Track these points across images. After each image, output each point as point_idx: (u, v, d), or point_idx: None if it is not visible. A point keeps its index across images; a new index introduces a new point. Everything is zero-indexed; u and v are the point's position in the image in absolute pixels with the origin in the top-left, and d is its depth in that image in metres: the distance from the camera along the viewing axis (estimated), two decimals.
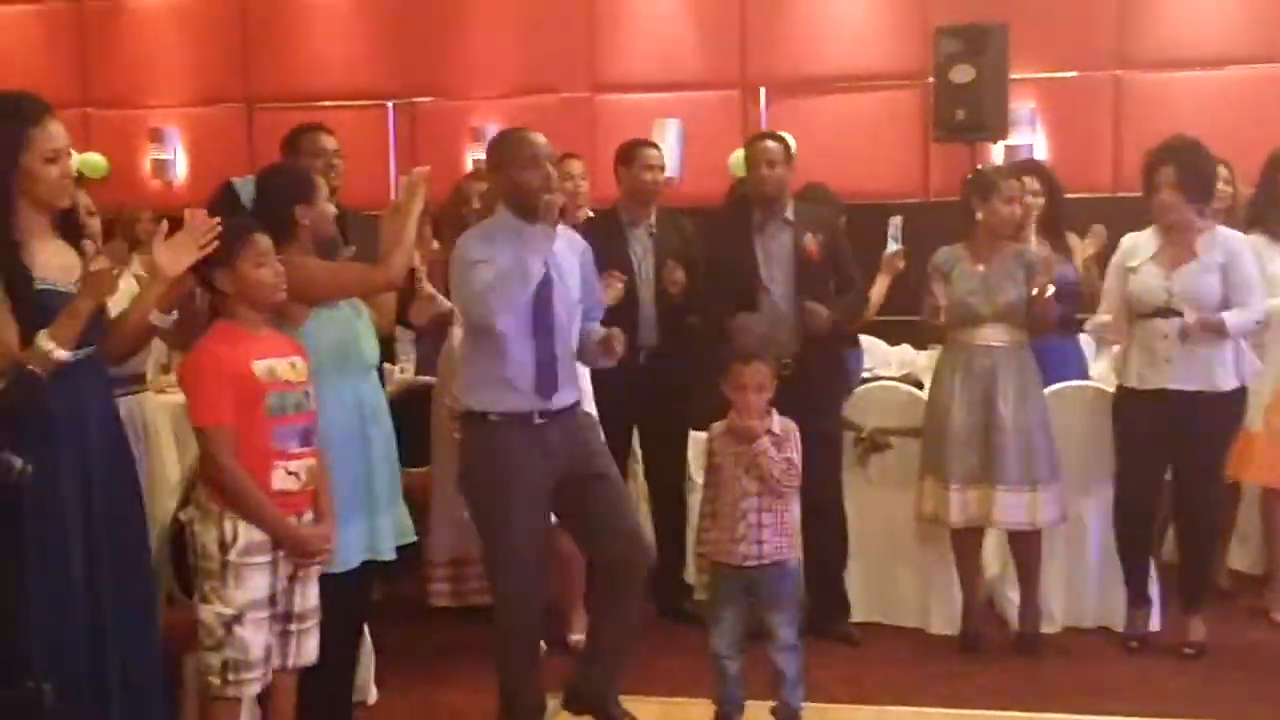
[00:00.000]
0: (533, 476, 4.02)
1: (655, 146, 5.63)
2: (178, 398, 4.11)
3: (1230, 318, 4.88)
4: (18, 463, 3.00)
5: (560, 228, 4.04)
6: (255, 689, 3.56)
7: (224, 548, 3.49)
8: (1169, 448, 5.00)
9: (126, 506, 3.52)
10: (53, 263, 3.36)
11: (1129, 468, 5.13)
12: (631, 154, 5.48)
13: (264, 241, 3.62)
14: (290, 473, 3.56)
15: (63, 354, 3.25)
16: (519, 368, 4.00)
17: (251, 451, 3.51)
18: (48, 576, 3.31)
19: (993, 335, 5.05)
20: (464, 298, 4.02)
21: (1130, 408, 5.07)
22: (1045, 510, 5.03)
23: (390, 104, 9.56)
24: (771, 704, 4.19)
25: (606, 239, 5.00)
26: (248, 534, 3.50)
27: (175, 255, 3.51)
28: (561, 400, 4.08)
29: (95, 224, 3.71)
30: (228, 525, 3.49)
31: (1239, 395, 5.01)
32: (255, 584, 3.51)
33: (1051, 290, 4.96)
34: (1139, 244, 5.10)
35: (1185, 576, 5.17)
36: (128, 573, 3.48)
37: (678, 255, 5.36)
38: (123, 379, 4.10)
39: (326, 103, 9.13)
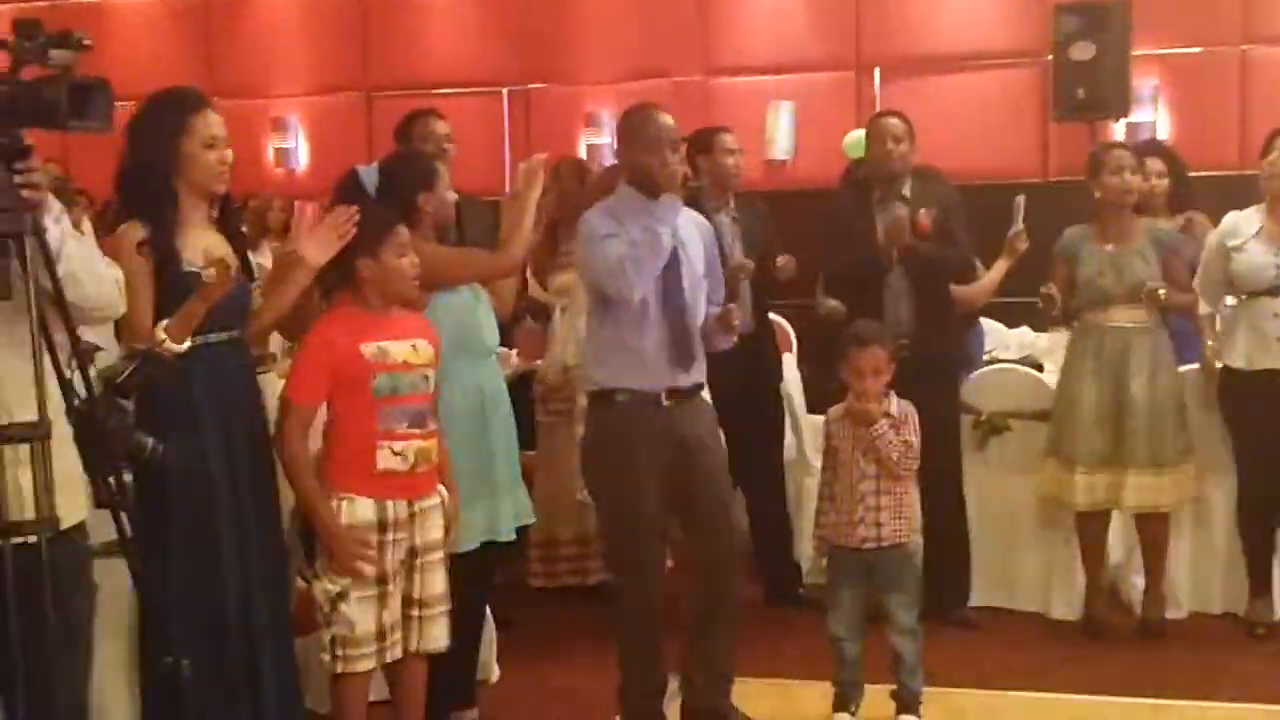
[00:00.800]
0: (657, 459, 4.03)
1: (730, 131, 5.58)
2: None
3: None
4: (149, 443, 3.10)
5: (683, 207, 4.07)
6: (366, 665, 3.61)
7: (326, 535, 3.56)
8: None
9: (267, 488, 3.63)
10: (202, 248, 3.46)
11: (1246, 452, 5.03)
12: (709, 141, 5.42)
13: (405, 232, 3.70)
14: (396, 453, 3.61)
15: (175, 348, 3.34)
16: (652, 341, 3.98)
17: (357, 431, 3.58)
18: (194, 557, 3.43)
19: (1124, 315, 4.97)
20: (596, 272, 3.97)
21: (1240, 390, 4.97)
22: (1173, 493, 4.95)
23: (505, 90, 9.64)
24: (891, 687, 4.19)
25: None
26: (353, 512, 3.57)
27: (319, 245, 3.60)
28: (691, 378, 4.09)
29: None
30: (334, 503, 3.57)
31: None
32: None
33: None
34: (1240, 222, 4.99)
35: None
36: (269, 553, 3.60)
37: (764, 239, 5.35)
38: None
39: (443, 90, 9.23)
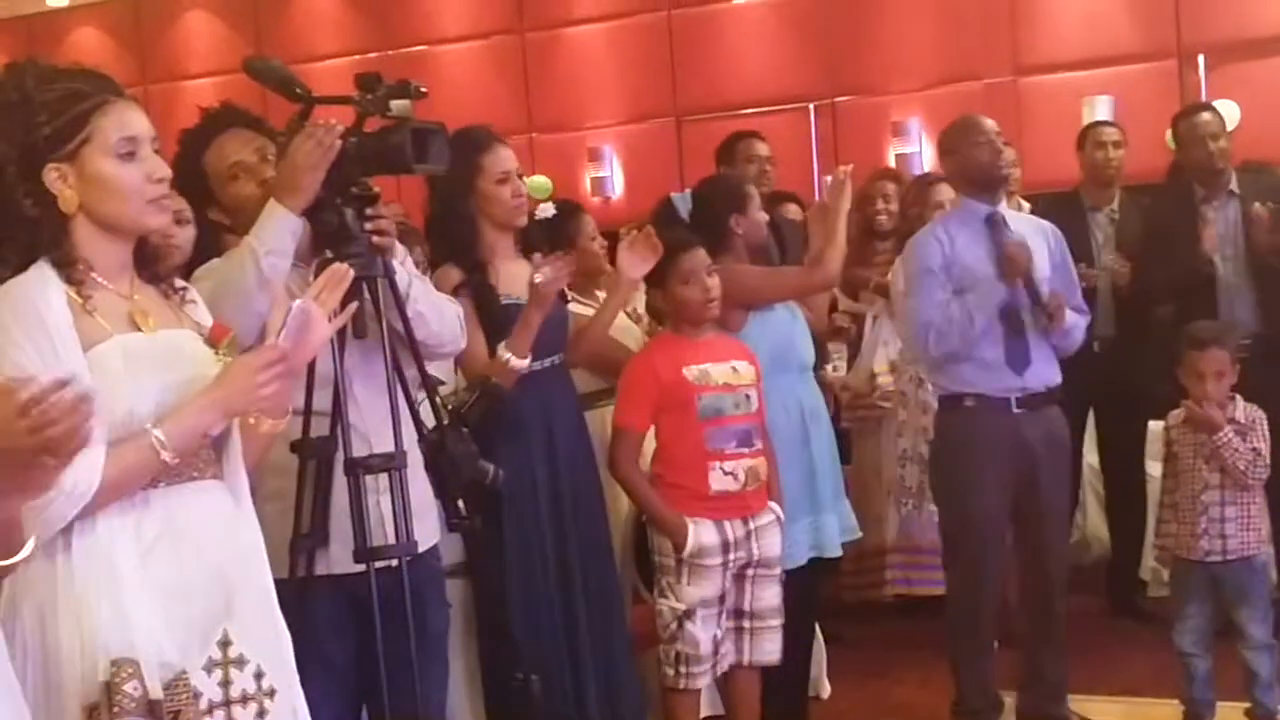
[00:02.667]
0: (1003, 468, 3.98)
1: (1111, 124, 5.41)
2: None
3: None
4: (490, 469, 3.25)
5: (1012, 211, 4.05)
6: (704, 682, 3.71)
7: (678, 547, 3.66)
8: None
9: (593, 508, 3.73)
10: (516, 278, 3.59)
11: None
12: (1086, 134, 5.31)
13: (691, 260, 3.73)
14: (728, 473, 3.68)
15: (520, 363, 3.45)
16: (992, 347, 3.97)
17: (687, 453, 3.67)
18: (525, 576, 3.56)
19: None
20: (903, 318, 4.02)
21: None
22: None
23: (811, 106, 9.65)
24: (1245, 705, 3.99)
25: (1067, 224, 4.86)
26: (696, 535, 3.65)
27: (634, 262, 3.72)
28: (1037, 380, 4.01)
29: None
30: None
31: None
32: (707, 582, 3.66)
33: None
34: None
35: None
36: (597, 571, 3.71)
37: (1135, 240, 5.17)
38: (597, 391, 4.21)
39: (749, 110, 9.32)
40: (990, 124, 4.07)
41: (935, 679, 4.27)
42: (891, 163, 8.74)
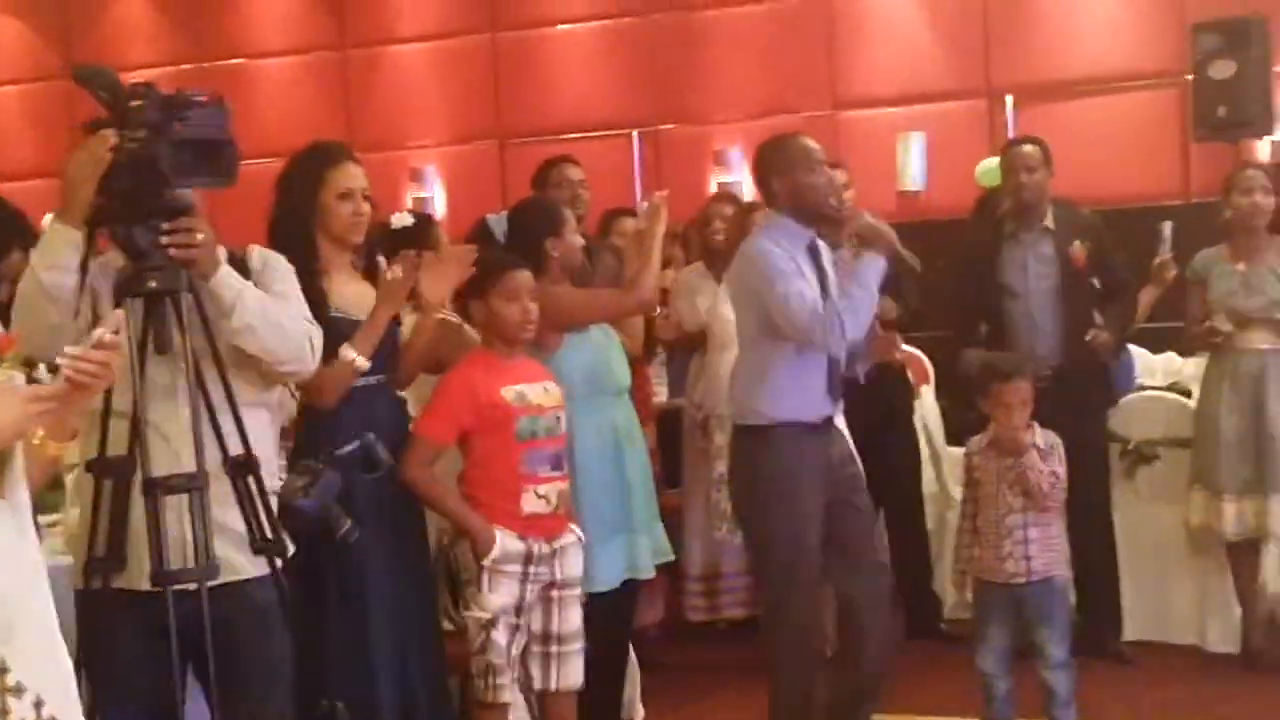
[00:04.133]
0: (817, 491, 3.97)
1: (840, 166, 5.52)
2: None
3: None
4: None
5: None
6: (508, 696, 3.65)
7: (480, 555, 3.61)
8: None
9: (415, 530, 3.69)
10: (347, 294, 3.56)
11: None
12: None
13: (516, 279, 3.71)
14: (540, 496, 3.66)
15: (364, 363, 3.44)
16: (816, 373, 3.95)
17: (501, 475, 3.63)
18: (346, 600, 3.50)
19: (1260, 337, 4.86)
20: (790, 312, 3.83)
21: None
22: None
23: (635, 133, 9.73)
24: None
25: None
26: (502, 542, 3.61)
27: (436, 283, 3.68)
28: (839, 407, 4.07)
29: None
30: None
31: None
32: (506, 590, 3.62)
33: None
34: None
35: None
36: (416, 590, 3.66)
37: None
38: None
39: (573, 134, 9.34)
40: (816, 149, 4.04)
41: (752, 703, 4.29)
42: (713, 190, 8.85)
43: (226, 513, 2.92)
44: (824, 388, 3.98)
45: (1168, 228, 5.12)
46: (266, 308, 3.01)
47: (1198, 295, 5.00)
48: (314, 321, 3.18)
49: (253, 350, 2.96)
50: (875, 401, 5.06)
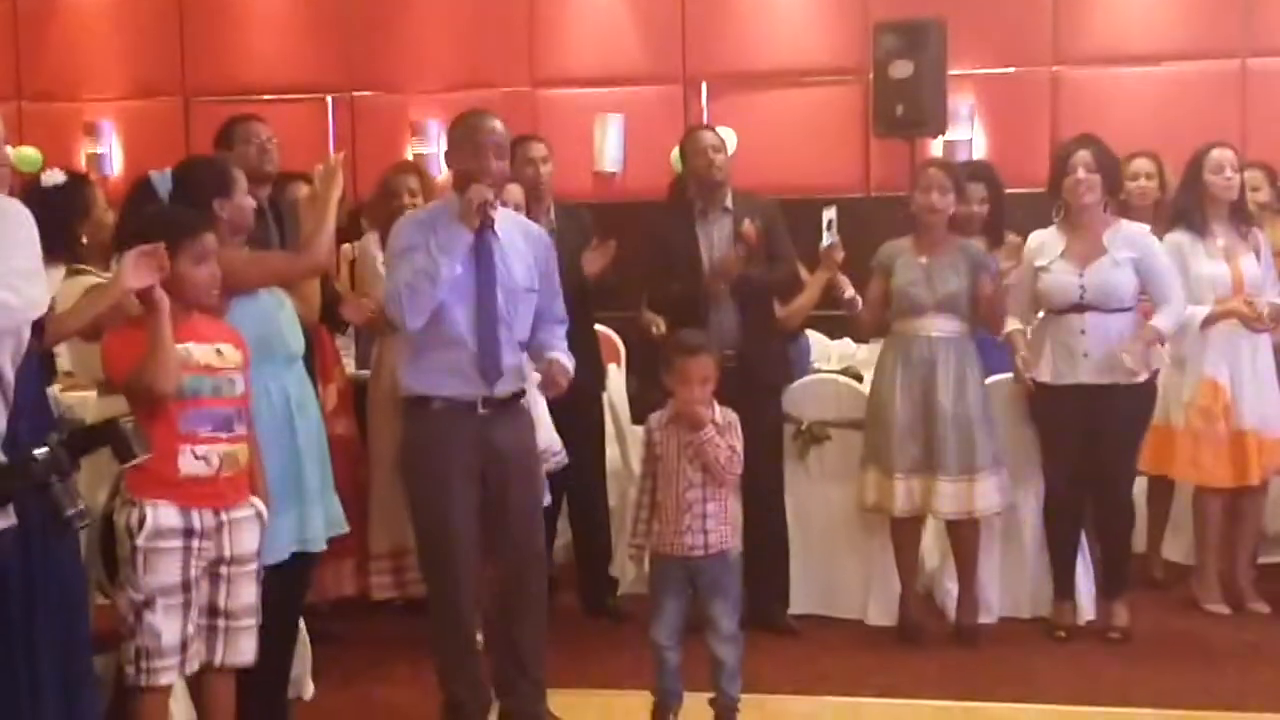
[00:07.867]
0: (471, 468, 4.00)
1: (538, 140, 5.57)
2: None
3: (1163, 322, 4.99)
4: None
5: (512, 214, 4.08)
6: (168, 679, 3.50)
7: (132, 533, 3.45)
8: (1088, 440, 5.05)
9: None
10: None
11: (1053, 462, 5.19)
12: (512, 151, 5.39)
13: (208, 241, 3.60)
14: (199, 457, 3.50)
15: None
16: (465, 352, 3.98)
17: (157, 433, 3.44)
18: None
19: (933, 325, 5.09)
20: (385, 291, 4.00)
21: (1046, 403, 5.13)
22: (984, 500, 5.06)
23: (329, 98, 9.49)
24: (709, 695, 4.20)
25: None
26: (155, 518, 3.45)
27: (139, 272, 3.45)
28: (504, 388, 4.06)
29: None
30: (135, 511, 3.45)
31: (1150, 387, 5.09)
32: (165, 569, 3.45)
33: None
34: (1045, 242, 5.16)
35: (1105, 564, 5.25)
36: (58, 567, 3.42)
37: (585, 248, 5.35)
38: None
39: (265, 96, 9.04)
40: (493, 128, 4.03)
41: (426, 680, 4.23)
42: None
43: None
44: (472, 366, 3.97)
45: (829, 214, 5.30)
46: None
47: (880, 283, 5.19)
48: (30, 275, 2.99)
49: None
50: None
